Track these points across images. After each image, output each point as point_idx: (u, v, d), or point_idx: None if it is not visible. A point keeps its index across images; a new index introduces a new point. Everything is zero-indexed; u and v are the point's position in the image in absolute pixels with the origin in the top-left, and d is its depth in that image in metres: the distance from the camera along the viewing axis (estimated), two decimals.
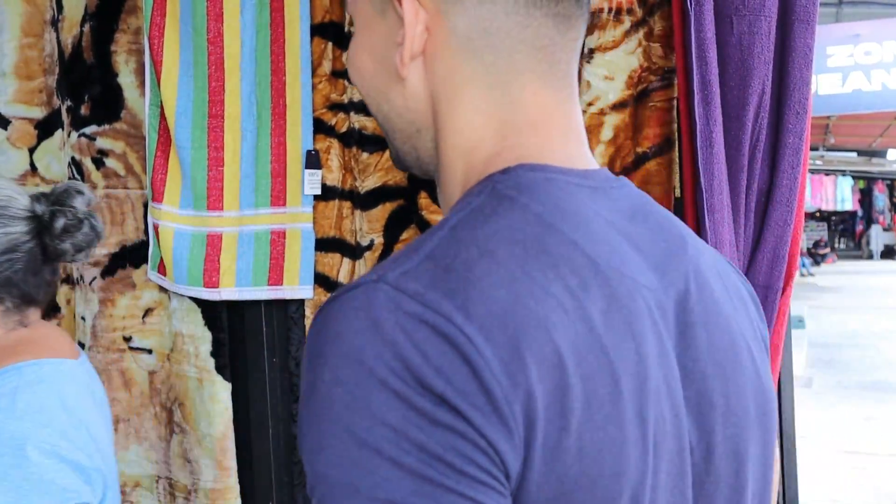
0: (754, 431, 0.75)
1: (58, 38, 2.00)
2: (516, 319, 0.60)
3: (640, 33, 1.65)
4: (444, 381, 0.57)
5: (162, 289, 1.90)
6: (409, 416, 0.57)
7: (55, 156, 2.04)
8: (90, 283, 1.94)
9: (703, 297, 0.73)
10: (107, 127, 1.95)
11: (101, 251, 1.93)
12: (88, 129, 1.95)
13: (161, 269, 1.87)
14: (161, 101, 1.85)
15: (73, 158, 1.97)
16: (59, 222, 1.37)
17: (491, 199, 0.68)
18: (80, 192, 1.41)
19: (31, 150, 2.05)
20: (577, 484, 0.60)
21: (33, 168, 2.04)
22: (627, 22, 1.65)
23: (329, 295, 1.80)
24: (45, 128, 2.05)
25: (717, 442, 0.71)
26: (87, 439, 1.32)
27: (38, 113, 2.04)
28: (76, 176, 1.97)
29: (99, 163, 1.96)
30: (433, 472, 0.56)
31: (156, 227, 1.85)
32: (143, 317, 1.93)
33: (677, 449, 0.67)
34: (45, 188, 2.04)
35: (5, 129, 2.09)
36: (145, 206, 1.93)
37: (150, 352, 1.92)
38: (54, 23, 2.00)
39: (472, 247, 0.63)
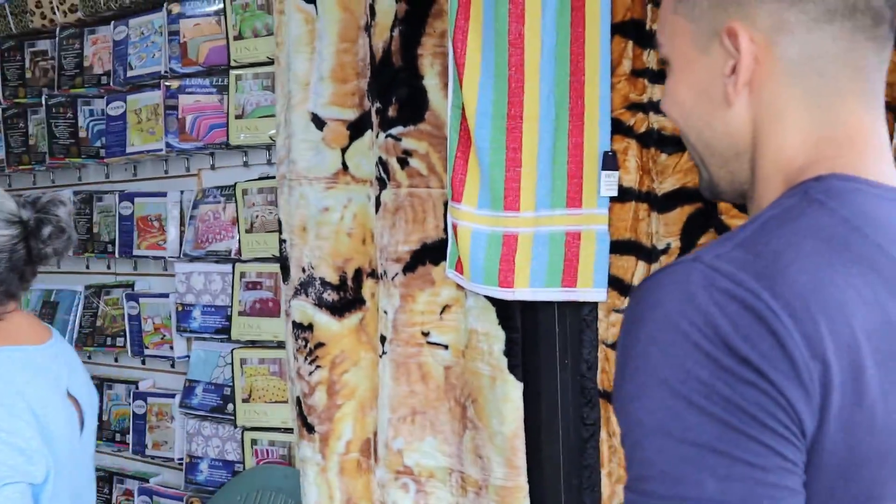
0: None
1: (370, 43, 2.16)
2: (818, 301, 0.70)
3: None
4: (750, 347, 0.68)
5: (459, 286, 2.00)
6: (717, 374, 0.68)
7: (364, 155, 2.20)
8: (392, 279, 2.08)
9: None
10: (411, 128, 2.08)
11: (403, 248, 2.07)
12: (395, 130, 2.08)
13: (458, 267, 1.97)
14: (462, 103, 1.94)
15: (380, 158, 2.11)
16: (46, 230, 1.52)
17: (802, 201, 0.79)
18: (62, 203, 1.57)
19: (344, 150, 2.23)
20: (867, 458, 0.69)
21: (345, 167, 2.22)
22: None
23: (622, 298, 1.82)
24: (357, 128, 2.22)
25: None
26: (30, 422, 1.44)
27: (351, 115, 2.21)
28: (383, 175, 2.12)
29: (403, 162, 2.09)
30: (737, 421, 0.66)
31: (454, 227, 1.95)
32: (441, 313, 2.04)
33: None
34: (356, 186, 2.22)
35: (321, 129, 2.29)
36: (445, 205, 2.03)
37: (446, 347, 2.03)
38: (367, 28, 2.16)
39: (781, 239, 0.74)
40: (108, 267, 3.35)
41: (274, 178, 2.75)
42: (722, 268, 0.72)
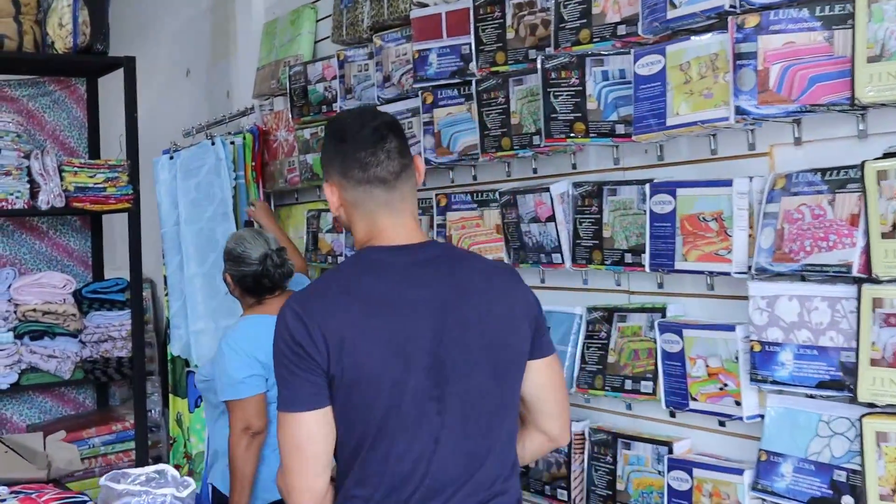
0: (483, 358, 1.86)
1: None
2: (321, 314, 1.78)
3: None
4: (297, 334, 1.78)
5: None
6: (287, 347, 1.79)
7: None
8: None
9: (459, 295, 1.85)
10: None
11: None
12: None
13: None
14: None
15: None
16: (278, 272, 3.05)
17: (347, 260, 2.09)
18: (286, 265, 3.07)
19: None
20: (358, 378, 1.77)
21: None
22: None
23: None
24: None
25: (455, 362, 1.82)
26: (260, 349, 2.87)
27: None
28: None
29: None
30: (295, 365, 1.78)
31: None
32: None
33: (427, 365, 1.80)
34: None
35: None
36: None
37: None
38: None
39: (321, 283, 1.90)
40: (618, 283, 2.63)
41: None
42: (294, 300, 1.84)
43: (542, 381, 1.97)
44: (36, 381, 4.36)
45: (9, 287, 4.32)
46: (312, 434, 1.79)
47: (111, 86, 4.87)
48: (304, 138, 3.91)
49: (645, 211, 2.40)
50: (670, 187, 2.32)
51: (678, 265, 2.29)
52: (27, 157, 4.25)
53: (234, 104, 4.78)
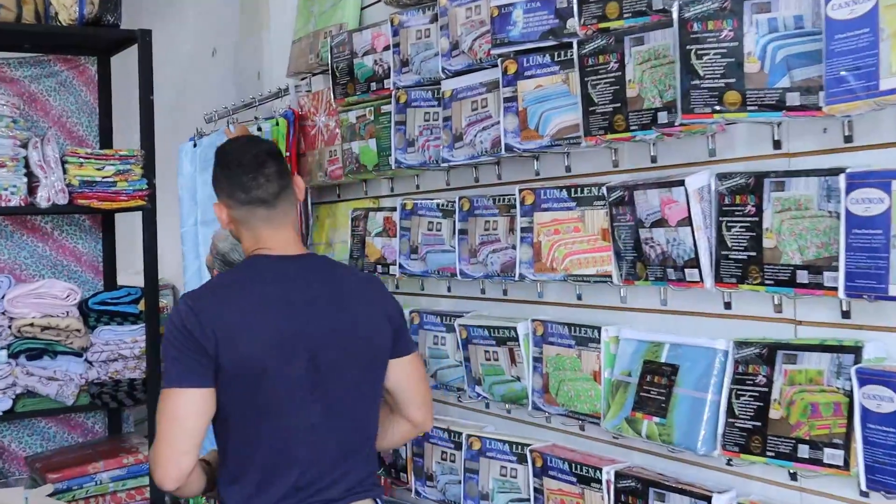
0: (353, 354, 2.21)
1: None
2: (209, 308, 2.10)
3: None
4: (188, 324, 2.07)
5: None
6: (179, 333, 2.08)
7: None
8: None
9: (333, 299, 2.21)
10: None
11: None
12: None
13: None
14: None
15: None
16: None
17: (237, 265, 2.44)
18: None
19: None
20: (243, 369, 2.07)
21: None
22: None
23: None
24: None
25: (329, 357, 2.16)
26: None
27: None
28: None
29: None
30: (183, 348, 2.07)
31: None
32: None
33: (305, 359, 2.13)
34: None
35: None
36: None
37: None
38: None
39: (214, 283, 2.37)
40: (778, 309, 1.96)
41: None
42: (188, 296, 2.16)
43: (404, 375, 2.34)
44: (33, 408, 3.76)
45: (2, 298, 3.71)
46: (189, 409, 2.07)
47: (127, 67, 4.25)
48: (349, 122, 3.26)
49: (834, 213, 1.73)
50: (882, 178, 1.64)
51: (895, 290, 1.62)
52: (24, 145, 3.65)
53: (266, 85, 4.14)
